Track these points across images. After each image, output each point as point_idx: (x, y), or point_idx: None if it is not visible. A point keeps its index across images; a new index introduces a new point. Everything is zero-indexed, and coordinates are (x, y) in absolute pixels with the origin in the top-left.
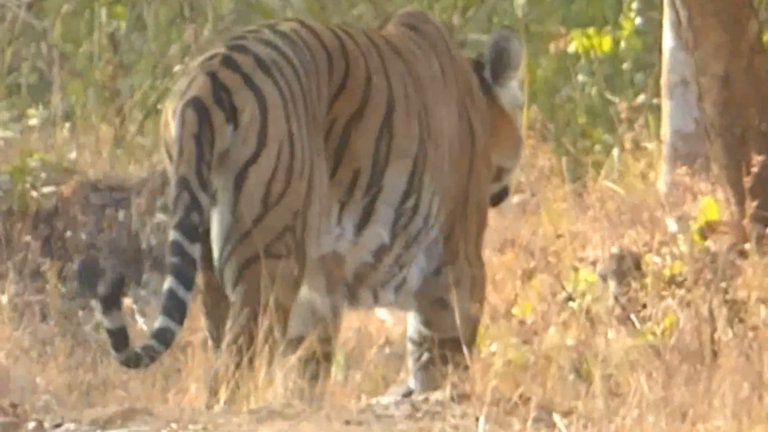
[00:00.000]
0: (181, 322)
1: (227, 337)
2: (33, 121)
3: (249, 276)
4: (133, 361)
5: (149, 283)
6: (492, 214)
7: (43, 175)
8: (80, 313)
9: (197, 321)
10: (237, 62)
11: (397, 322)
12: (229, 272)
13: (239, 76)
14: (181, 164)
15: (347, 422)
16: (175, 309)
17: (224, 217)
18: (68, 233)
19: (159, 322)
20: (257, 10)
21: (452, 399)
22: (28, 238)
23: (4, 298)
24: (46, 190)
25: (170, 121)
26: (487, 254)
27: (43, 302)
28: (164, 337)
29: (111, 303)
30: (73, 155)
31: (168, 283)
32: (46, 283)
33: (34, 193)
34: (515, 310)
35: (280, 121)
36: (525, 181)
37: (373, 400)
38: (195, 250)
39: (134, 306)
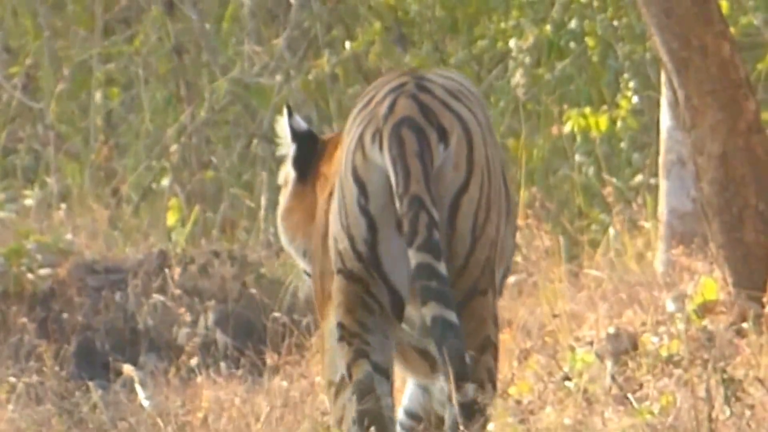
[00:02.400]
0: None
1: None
2: (29, 202)
3: (468, 313)
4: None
5: (146, 364)
6: None
7: (39, 256)
8: (77, 394)
9: (195, 400)
10: (429, 88)
11: None
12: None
13: (437, 101)
14: (411, 183)
15: None
16: (453, 335)
17: (438, 222)
18: (64, 315)
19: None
20: (253, 93)
21: None
22: (24, 319)
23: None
24: (42, 271)
25: (370, 143)
26: None
27: (39, 384)
28: (464, 364)
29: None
30: (69, 236)
31: (432, 310)
32: (42, 364)
33: (30, 275)
34: (512, 390)
35: (481, 147)
36: (522, 262)
37: None
38: (443, 269)
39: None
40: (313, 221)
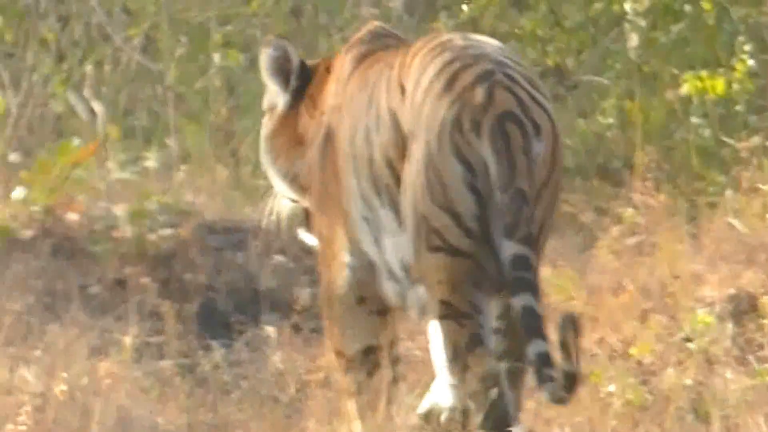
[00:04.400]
0: (545, 338)
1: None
2: (149, 163)
3: None
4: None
5: (267, 324)
6: (609, 255)
7: (161, 217)
8: (199, 353)
9: (317, 360)
10: (515, 78)
11: None
12: None
13: (525, 93)
14: (516, 177)
15: None
16: (539, 327)
17: (536, 218)
18: (186, 275)
19: (532, 349)
20: None
21: None
22: (146, 280)
23: (128, 340)
24: (163, 232)
25: (469, 131)
26: (603, 295)
27: (161, 343)
28: (548, 360)
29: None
30: (189, 197)
31: (523, 300)
32: (164, 324)
33: (151, 236)
34: (633, 351)
35: (561, 140)
36: (641, 222)
37: None
38: (536, 263)
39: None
40: (297, 145)
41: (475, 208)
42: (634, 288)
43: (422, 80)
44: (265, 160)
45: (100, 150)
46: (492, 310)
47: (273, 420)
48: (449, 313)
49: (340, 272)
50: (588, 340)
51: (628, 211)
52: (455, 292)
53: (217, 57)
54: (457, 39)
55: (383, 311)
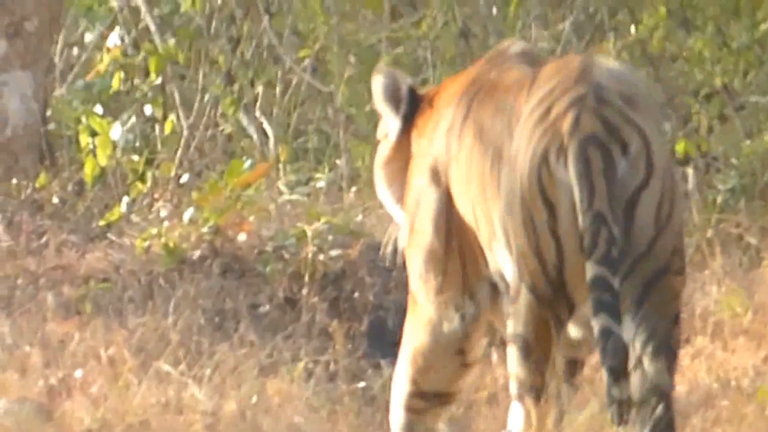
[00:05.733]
0: (624, 361)
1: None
2: (320, 184)
3: (655, 292)
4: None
5: None
6: None
7: (330, 237)
8: (369, 372)
9: (484, 378)
10: (608, 100)
11: (682, 381)
12: (629, 290)
13: (617, 114)
14: (595, 200)
15: None
16: (618, 349)
17: (617, 239)
18: (356, 294)
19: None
20: None
21: None
22: (315, 299)
23: (298, 358)
24: (333, 252)
25: (555, 161)
26: None
27: (331, 362)
28: (619, 381)
29: (619, 373)
30: (359, 218)
31: (602, 320)
32: (334, 343)
33: (321, 256)
34: None
35: (660, 150)
36: None
37: None
38: (616, 284)
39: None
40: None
41: (555, 256)
42: None
43: (527, 107)
44: (379, 186)
45: (270, 171)
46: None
47: None
48: (524, 348)
49: (450, 317)
50: (756, 358)
51: None
52: (536, 338)
53: None
54: (575, 61)
55: (474, 364)
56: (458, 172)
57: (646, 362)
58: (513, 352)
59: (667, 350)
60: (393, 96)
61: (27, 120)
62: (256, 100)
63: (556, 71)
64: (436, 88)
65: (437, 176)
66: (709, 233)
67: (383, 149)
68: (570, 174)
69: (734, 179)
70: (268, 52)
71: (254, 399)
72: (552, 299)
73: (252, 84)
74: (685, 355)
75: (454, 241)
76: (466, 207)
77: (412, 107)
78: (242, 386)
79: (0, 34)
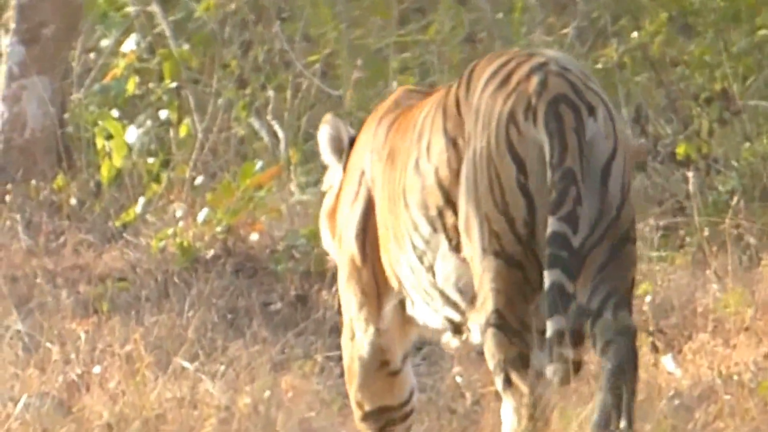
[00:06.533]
0: (565, 316)
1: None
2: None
3: (617, 259)
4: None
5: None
6: None
7: None
8: None
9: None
10: (569, 68)
11: (685, 376)
12: (598, 255)
13: (579, 80)
14: (566, 157)
15: None
16: (565, 304)
17: (593, 204)
18: None
19: (552, 323)
20: None
21: None
22: (325, 296)
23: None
24: None
25: (523, 120)
26: None
27: (341, 357)
28: (563, 338)
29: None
30: None
31: (554, 275)
32: None
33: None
34: None
35: (618, 120)
36: None
37: None
38: (576, 243)
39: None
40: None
41: (526, 213)
42: None
43: (479, 85)
44: (324, 236)
45: (281, 173)
46: (535, 322)
47: (450, 430)
48: (501, 324)
49: (367, 335)
50: (757, 354)
51: None
52: (509, 304)
53: (394, 83)
54: (512, 50)
55: (398, 372)
56: (378, 187)
57: (610, 312)
58: (489, 333)
59: (628, 305)
60: (336, 147)
61: (44, 123)
62: (267, 104)
63: (497, 60)
64: (365, 126)
65: (359, 193)
66: (710, 233)
67: (328, 200)
68: (540, 131)
69: (734, 181)
70: (279, 57)
71: (267, 394)
72: (522, 260)
73: (263, 88)
74: (687, 350)
75: (369, 259)
76: (381, 223)
77: None
78: (255, 381)
79: (18, 39)
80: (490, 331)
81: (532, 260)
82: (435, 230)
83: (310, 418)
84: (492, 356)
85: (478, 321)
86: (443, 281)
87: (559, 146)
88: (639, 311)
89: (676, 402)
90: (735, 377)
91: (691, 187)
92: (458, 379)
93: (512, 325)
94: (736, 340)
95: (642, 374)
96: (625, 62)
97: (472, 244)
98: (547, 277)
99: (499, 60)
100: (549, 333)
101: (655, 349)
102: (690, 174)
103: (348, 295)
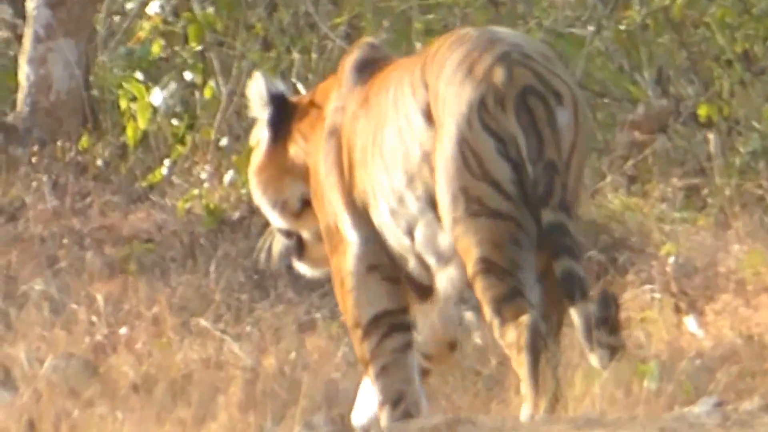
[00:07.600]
0: (587, 300)
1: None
2: None
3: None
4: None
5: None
6: None
7: None
8: None
9: None
10: (531, 55)
11: (707, 337)
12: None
13: (543, 67)
14: (545, 150)
15: (661, 430)
16: (583, 289)
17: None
18: None
19: (578, 311)
20: (566, 43)
21: (762, 409)
22: None
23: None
24: None
25: (493, 108)
26: None
27: None
28: (596, 323)
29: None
30: None
31: (564, 263)
32: None
33: None
34: None
35: (583, 107)
36: None
37: (686, 410)
38: (573, 228)
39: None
40: (284, 175)
41: (512, 173)
42: None
43: (445, 72)
44: (255, 193)
45: None
46: (532, 269)
47: (475, 391)
48: (488, 268)
49: (348, 250)
50: None
51: None
52: (495, 249)
53: (418, 45)
54: (473, 31)
55: (394, 278)
56: (357, 148)
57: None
58: (477, 281)
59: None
60: (262, 104)
61: (70, 85)
62: (292, 66)
63: (456, 42)
64: (311, 94)
65: (337, 136)
66: (731, 194)
67: (256, 157)
68: (513, 124)
69: (755, 142)
70: (304, 20)
71: (293, 355)
72: (512, 212)
73: (288, 50)
74: (709, 311)
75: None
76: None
77: (281, 115)
78: (281, 342)
79: (44, 2)
80: (478, 278)
81: (525, 213)
82: (418, 198)
83: (335, 380)
84: (483, 298)
85: (460, 277)
86: (422, 246)
87: (536, 140)
88: (662, 272)
89: (698, 362)
90: (756, 338)
91: (712, 149)
92: (480, 342)
93: (500, 265)
94: (757, 301)
95: (664, 335)
96: (647, 24)
97: (447, 214)
98: (558, 266)
99: (461, 48)
100: (580, 320)
101: (677, 309)
102: (711, 135)
103: (322, 227)
